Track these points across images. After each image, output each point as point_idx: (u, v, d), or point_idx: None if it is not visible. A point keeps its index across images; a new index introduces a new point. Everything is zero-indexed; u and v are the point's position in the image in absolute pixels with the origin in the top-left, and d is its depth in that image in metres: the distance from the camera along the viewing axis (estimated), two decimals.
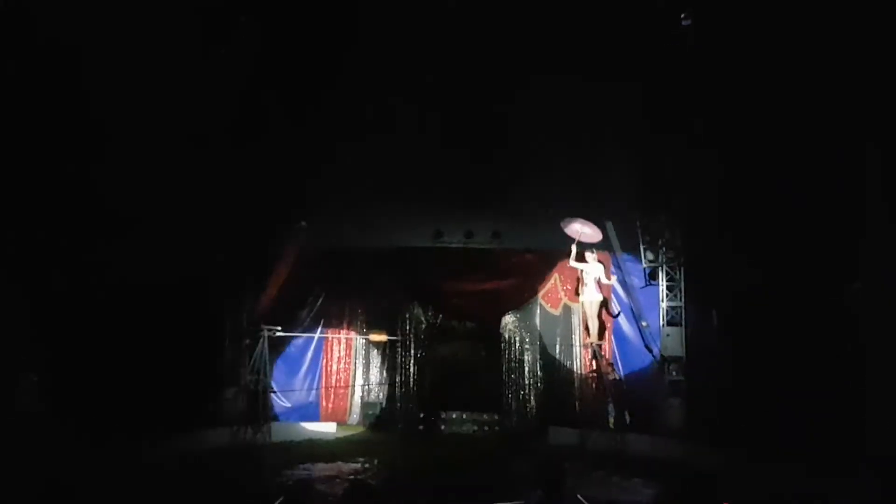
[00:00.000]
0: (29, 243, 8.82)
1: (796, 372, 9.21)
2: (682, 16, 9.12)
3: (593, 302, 11.54)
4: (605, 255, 11.94)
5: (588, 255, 11.49)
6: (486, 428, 12.47)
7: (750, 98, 9.02)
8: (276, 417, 11.31)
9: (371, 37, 8.97)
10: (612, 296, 12.44)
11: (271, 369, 9.81)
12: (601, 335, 11.68)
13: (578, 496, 6.90)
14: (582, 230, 11.02)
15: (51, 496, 5.19)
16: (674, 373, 11.35)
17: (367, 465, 9.83)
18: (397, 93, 9.89)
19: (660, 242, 11.56)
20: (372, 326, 13.00)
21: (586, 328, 11.69)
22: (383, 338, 13.02)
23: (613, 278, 11.71)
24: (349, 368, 12.86)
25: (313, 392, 12.41)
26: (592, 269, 11.46)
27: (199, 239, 10.25)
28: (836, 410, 8.35)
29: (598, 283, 11.50)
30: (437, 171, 10.54)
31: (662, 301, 11.65)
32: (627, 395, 11.54)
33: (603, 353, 11.53)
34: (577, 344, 12.50)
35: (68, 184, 8.95)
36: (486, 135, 10.38)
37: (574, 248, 11.25)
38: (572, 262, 11.40)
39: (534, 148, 10.64)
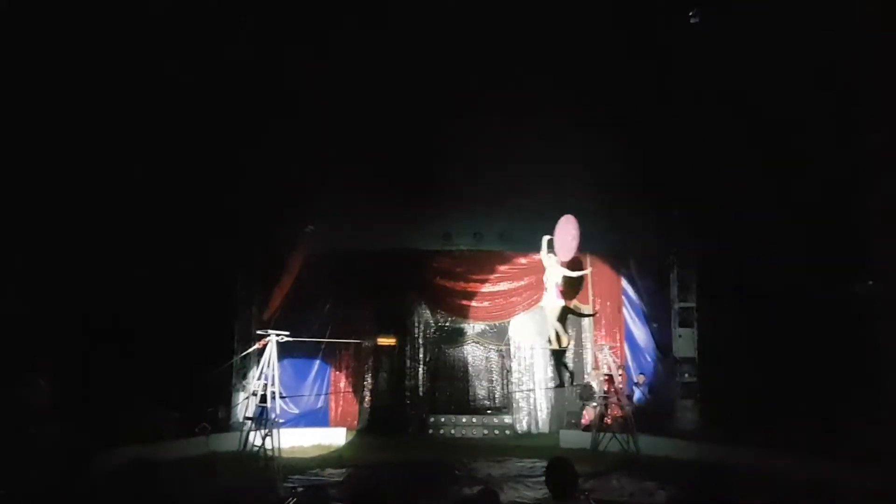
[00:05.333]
0: (38, 251, 8.85)
1: (808, 371, 9.14)
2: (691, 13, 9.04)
3: (554, 308, 11.07)
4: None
5: (549, 257, 11.05)
6: (496, 432, 12.37)
7: (762, 93, 8.92)
8: (284, 423, 11.26)
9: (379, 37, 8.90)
10: (624, 297, 12.34)
11: (279, 375, 9.75)
12: (560, 341, 11.23)
13: (591, 500, 6.81)
14: (568, 243, 10.67)
15: (57, 497, 5.15)
16: (686, 374, 11.23)
17: (376, 471, 9.74)
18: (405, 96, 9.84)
19: (672, 243, 11.44)
20: (381, 330, 12.96)
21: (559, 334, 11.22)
22: (392, 341, 12.97)
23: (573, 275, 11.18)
24: (358, 373, 12.80)
25: (322, 397, 12.35)
26: (553, 273, 11.04)
27: (207, 242, 10.24)
28: (847, 407, 8.28)
29: (559, 288, 11.10)
30: (445, 174, 10.47)
31: (674, 302, 11.54)
32: (638, 397, 11.47)
33: (615, 354, 11.40)
34: (588, 346, 12.42)
35: (76, 192, 8.97)
36: (491, 137, 10.30)
37: (545, 242, 10.96)
38: (543, 256, 11.07)
39: (542, 149, 10.54)
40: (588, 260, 12.58)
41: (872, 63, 7.73)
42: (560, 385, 11.82)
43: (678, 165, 10.82)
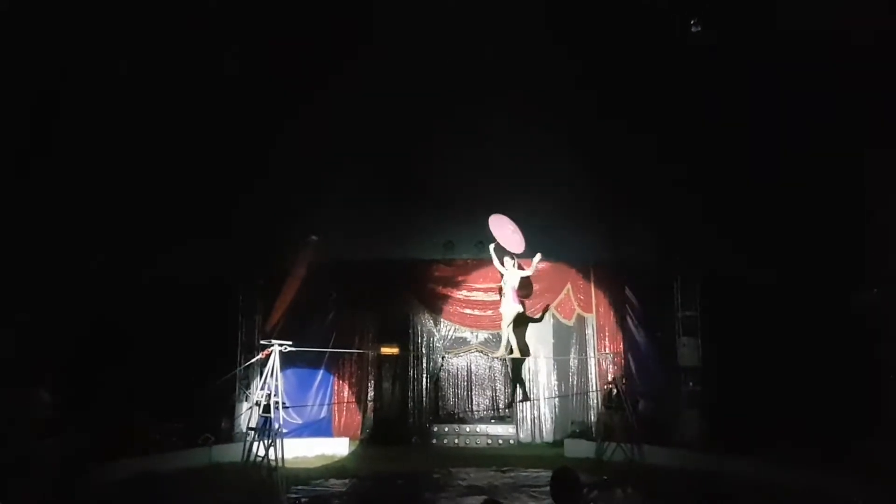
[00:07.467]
0: (40, 259, 8.86)
1: (814, 380, 9.10)
2: (693, 22, 9.02)
3: (510, 313, 10.91)
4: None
5: (507, 260, 10.92)
6: (500, 441, 12.32)
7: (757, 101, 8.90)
8: (287, 434, 11.23)
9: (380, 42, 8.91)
10: (627, 306, 12.30)
11: (283, 385, 9.73)
12: (509, 350, 11.08)
13: None
14: (511, 237, 10.45)
15: None
16: (690, 383, 11.18)
17: (380, 481, 9.71)
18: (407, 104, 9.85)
19: (675, 251, 11.39)
20: (384, 339, 12.93)
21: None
22: (395, 351, 12.93)
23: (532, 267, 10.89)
24: (361, 383, 12.77)
25: (325, 407, 12.33)
26: (510, 277, 10.91)
27: (210, 252, 10.23)
28: (851, 415, 8.25)
29: (516, 292, 10.96)
30: (448, 182, 10.46)
31: (678, 311, 11.49)
32: (643, 406, 11.41)
33: (619, 363, 11.35)
34: (592, 355, 12.38)
35: (78, 200, 8.98)
36: (496, 144, 10.30)
37: (492, 251, 10.81)
38: (497, 265, 10.97)
39: (546, 156, 10.54)
40: (592, 271, 12.58)
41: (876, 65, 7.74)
42: (523, 399, 11.68)
43: (680, 171, 10.80)
